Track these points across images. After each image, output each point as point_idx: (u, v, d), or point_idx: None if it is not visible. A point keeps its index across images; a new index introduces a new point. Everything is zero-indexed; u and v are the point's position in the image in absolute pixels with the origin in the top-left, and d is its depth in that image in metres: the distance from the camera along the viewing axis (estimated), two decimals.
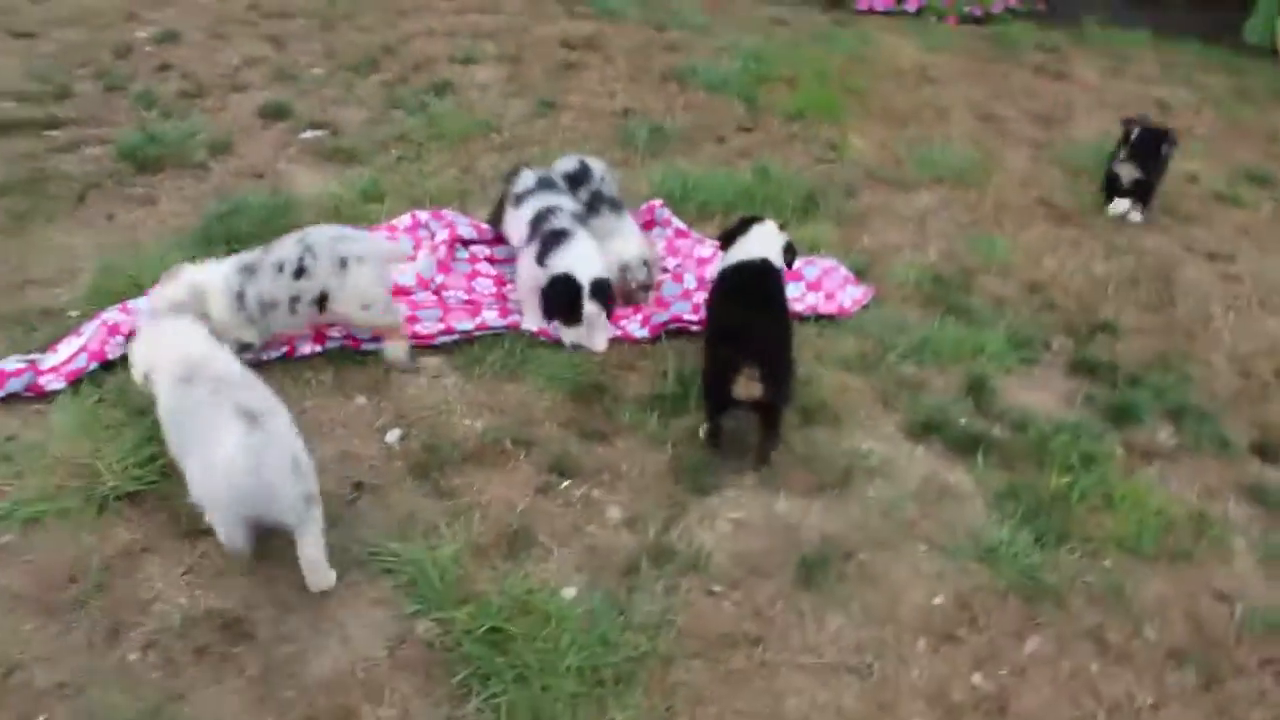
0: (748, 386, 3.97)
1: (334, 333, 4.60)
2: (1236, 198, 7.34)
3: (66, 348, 4.31)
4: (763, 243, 4.60)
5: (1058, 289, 5.81)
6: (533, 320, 4.84)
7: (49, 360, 4.25)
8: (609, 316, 4.79)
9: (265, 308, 4.28)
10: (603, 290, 4.69)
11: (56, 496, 3.73)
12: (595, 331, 4.79)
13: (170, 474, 3.81)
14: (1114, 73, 9.62)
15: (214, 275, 4.31)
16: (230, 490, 3.31)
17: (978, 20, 10.63)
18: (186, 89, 7.01)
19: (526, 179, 5.11)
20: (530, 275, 4.82)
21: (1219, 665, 3.69)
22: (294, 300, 4.29)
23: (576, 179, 5.34)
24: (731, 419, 4.24)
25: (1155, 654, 3.70)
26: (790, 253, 4.72)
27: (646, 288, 5.15)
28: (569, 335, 4.79)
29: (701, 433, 4.28)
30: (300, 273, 4.27)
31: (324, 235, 4.37)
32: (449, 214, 5.49)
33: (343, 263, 4.29)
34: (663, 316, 4.98)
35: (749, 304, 4.29)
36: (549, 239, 4.78)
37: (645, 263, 5.12)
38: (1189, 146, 7.66)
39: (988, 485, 4.29)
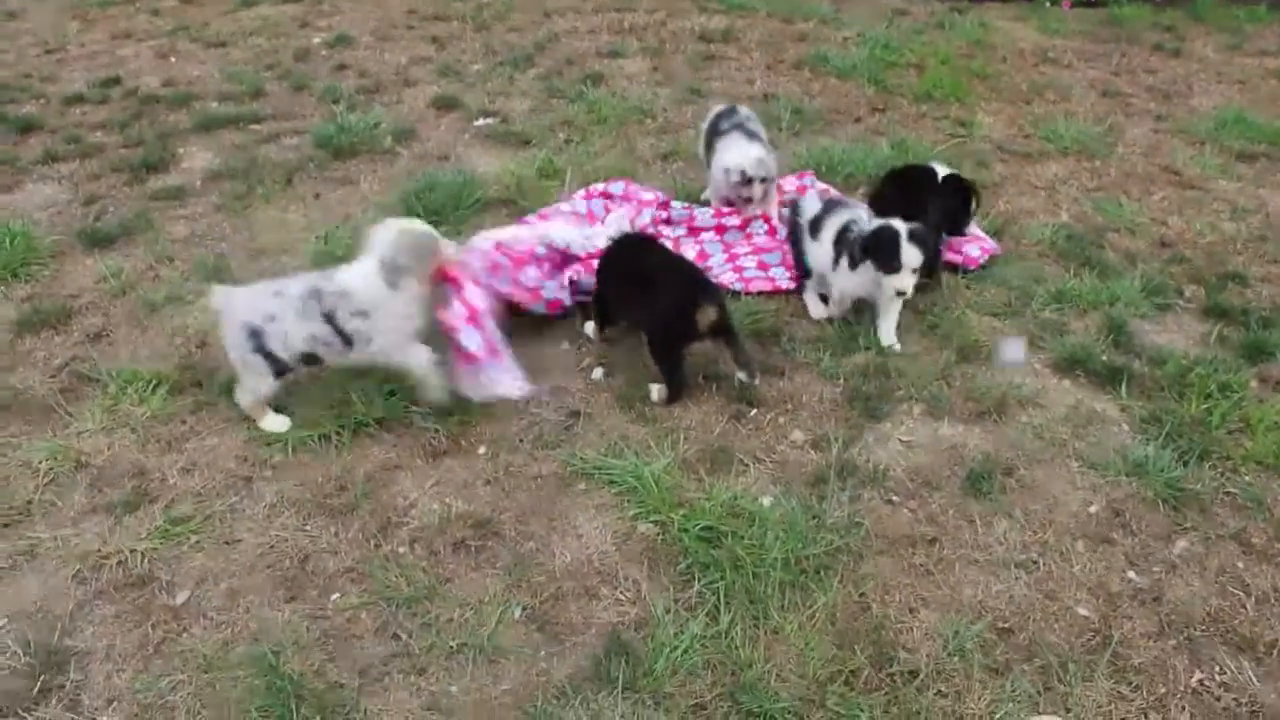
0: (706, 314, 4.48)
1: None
2: None
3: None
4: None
5: (1186, 245, 6.16)
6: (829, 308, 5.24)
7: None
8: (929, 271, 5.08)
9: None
10: (922, 239, 4.83)
11: (318, 423, 4.38)
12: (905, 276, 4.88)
13: (414, 406, 4.46)
14: (1231, 47, 9.81)
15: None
16: None
17: (1090, 4, 10.87)
18: (364, 85, 7.73)
19: (810, 205, 5.36)
20: (848, 284, 5.07)
21: None
22: None
23: (726, 115, 5.92)
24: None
25: None
26: None
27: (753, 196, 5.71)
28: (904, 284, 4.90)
29: (661, 393, 4.66)
30: None
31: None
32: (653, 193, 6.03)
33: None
34: None
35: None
36: (853, 243, 4.93)
37: (760, 161, 5.65)
38: None
39: (1131, 411, 4.71)
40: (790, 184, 6.16)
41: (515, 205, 6.02)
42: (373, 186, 6.26)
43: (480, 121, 7.17)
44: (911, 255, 4.79)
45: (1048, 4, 10.81)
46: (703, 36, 8.97)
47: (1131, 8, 10.70)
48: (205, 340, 4.87)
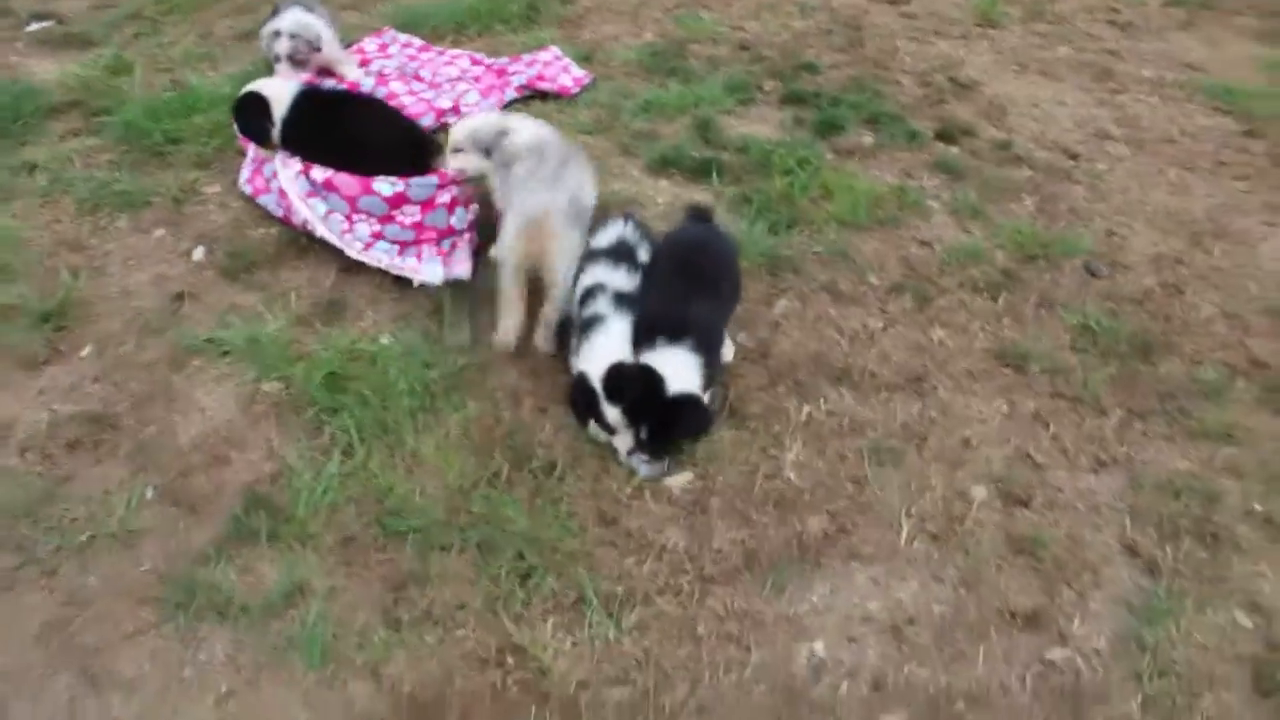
0: None
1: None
2: None
3: None
4: None
5: (763, 45, 6.54)
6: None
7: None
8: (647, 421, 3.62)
9: None
10: (620, 387, 3.60)
11: None
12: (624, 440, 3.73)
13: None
14: None
15: None
16: None
17: None
18: None
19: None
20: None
21: (928, 290, 4.57)
22: None
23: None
24: None
25: (879, 292, 4.54)
26: None
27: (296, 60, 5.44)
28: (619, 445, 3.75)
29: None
30: None
31: None
32: None
33: None
34: (429, 119, 5.41)
35: None
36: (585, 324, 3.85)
37: (293, 35, 5.39)
38: None
39: (724, 196, 5.02)
40: (370, 44, 6.04)
41: (85, 106, 5.58)
42: None
43: (32, 26, 6.57)
44: (614, 414, 3.62)
45: None
46: None
47: None
48: None
